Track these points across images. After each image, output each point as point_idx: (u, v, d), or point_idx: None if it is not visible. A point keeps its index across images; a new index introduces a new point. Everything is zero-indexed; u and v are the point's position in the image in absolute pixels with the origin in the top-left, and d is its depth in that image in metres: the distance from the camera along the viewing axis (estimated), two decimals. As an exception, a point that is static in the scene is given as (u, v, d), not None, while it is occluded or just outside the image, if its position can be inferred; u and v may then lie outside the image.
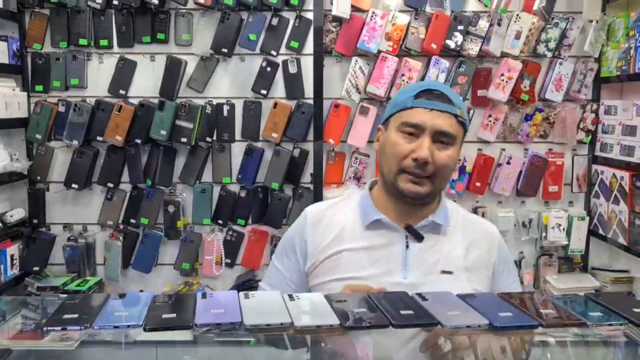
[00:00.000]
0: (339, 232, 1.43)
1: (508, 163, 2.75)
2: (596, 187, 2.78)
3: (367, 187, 1.51)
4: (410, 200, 1.39)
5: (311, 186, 2.72)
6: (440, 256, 1.41)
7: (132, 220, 2.75)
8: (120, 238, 2.74)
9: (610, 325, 1.04)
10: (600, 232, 2.75)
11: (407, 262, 1.38)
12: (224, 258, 2.75)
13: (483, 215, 2.78)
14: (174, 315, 1.01)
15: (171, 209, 2.73)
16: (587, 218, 2.80)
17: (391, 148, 1.37)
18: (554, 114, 2.77)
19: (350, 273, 1.37)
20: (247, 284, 2.69)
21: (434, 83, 1.45)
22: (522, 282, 2.82)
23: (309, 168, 2.73)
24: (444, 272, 1.39)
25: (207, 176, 2.77)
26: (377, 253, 1.39)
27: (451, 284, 1.35)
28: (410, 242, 1.40)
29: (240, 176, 2.73)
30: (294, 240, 1.49)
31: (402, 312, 1.04)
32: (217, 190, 2.76)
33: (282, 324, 0.99)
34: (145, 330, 0.97)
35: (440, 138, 1.34)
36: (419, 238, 1.40)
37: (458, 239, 1.44)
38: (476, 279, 1.41)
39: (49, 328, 0.97)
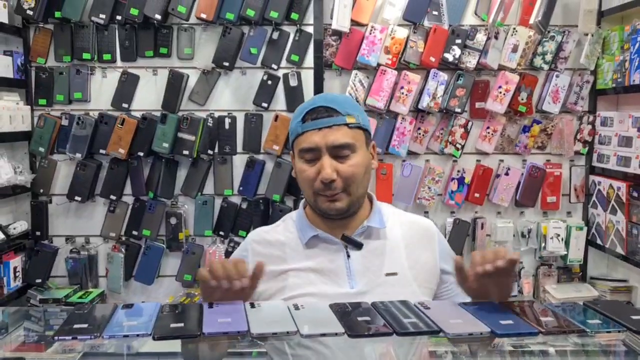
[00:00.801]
0: (281, 254, 1.44)
1: (506, 174, 2.78)
2: (594, 198, 2.81)
3: (301, 206, 1.52)
4: (337, 217, 1.41)
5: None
6: (383, 259, 1.42)
7: (134, 232, 2.77)
8: (123, 250, 2.76)
9: (609, 332, 1.07)
10: (599, 242, 2.77)
11: (351, 271, 1.39)
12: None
13: (482, 226, 2.80)
14: (182, 324, 1.04)
15: (173, 221, 2.75)
16: (585, 228, 2.82)
17: (300, 175, 1.40)
18: (552, 126, 2.81)
19: (298, 290, 1.37)
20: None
21: (317, 99, 1.43)
22: (521, 292, 2.85)
23: (310, 180, 2.75)
24: (388, 274, 1.40)
25: (208, 188, 2.80)
26: (322, 269, 1.40)
27: (397, 284, 1.37)
28: (350, 251, 1.42)
29: (241, 188, 2.75)
30: None
31: (405, 320, 1.07)
32: (218, 202, 2.79)
33: (288, 332, 1.02)
34: (154, 339, 0.99)
35: (338, 152, 1.35)
36: (358, 246, 1.41)
37: (397, 239, 1.45)
38: (422, 276, 1.43)
39: (59, 338, 1.00)
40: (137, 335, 1.00)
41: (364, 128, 1.41)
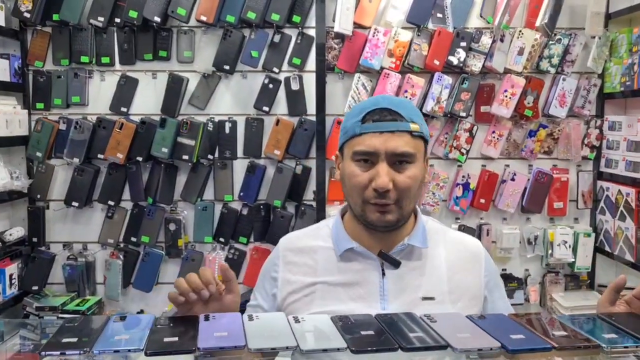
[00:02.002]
0: (313, 264, 1.35)
1: (512, 179, 2.72)
2: (602, 204, 2.76)
3: (338, 214, 1.42)
4: (382, 229, 1.31)
5: (314, 203, 2.70)
6: (421, 281, 1.31)
7: (133, 239, 2.72)
8: (121, 257, 2.71)
9: (627, 348, 1.01)
10: (607, 248, 2.72)
11: (385, 291, 1.30)
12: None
13: (488, 232, 2.75)
14: (176, 339, 0.98)
15: (172, 227, 2.70)
16: (593, 235, 2.77)
17: (350, 180, 1.28)
18: (558, 130, 2.76)
19: (327, 307, 1.29)
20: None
21: (380, 99, 1.32)
22: (527, 300, 2.80)
23: (312, 185, 2.71)
24: (425, 298, 1.29)
25: (208, 194, 2.75)
26: (353, 285, 1.31)
27: (433, 310, 1.24)
28: (386, 269, 1.31)
29: (242, 194, 2.71)
30: (268, 273, 1.42)
31: (411, 334, 1.01)
32: (218, 208, 2.74)
33: (287, 347, 0.96)
34: (146, 354, 0.94)
35: (398, 159, 1.24)
36: (396, 264, 1.31)
37: (439, 261, 1.35)
38: (462, 303, 1.32)
39: (47, 353, 0.94)
40: (129, 350, 0.95)
41: (425, 138, 1.31)
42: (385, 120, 1.25)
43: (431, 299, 1.30)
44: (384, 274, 1.32)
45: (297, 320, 1.07)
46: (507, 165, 2.78)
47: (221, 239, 2.73)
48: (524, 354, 1.02)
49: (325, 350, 0.97)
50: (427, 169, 1.36)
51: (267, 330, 1.03)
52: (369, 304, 1.29)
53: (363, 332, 1.02)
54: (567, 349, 1.00)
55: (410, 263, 1.33)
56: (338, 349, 0.96)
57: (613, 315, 1.16)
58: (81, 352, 0.94)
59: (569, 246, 2.74)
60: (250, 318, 1.08)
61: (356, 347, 0.96)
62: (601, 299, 1.20)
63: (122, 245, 2.75)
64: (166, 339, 0.98)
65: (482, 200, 2.74)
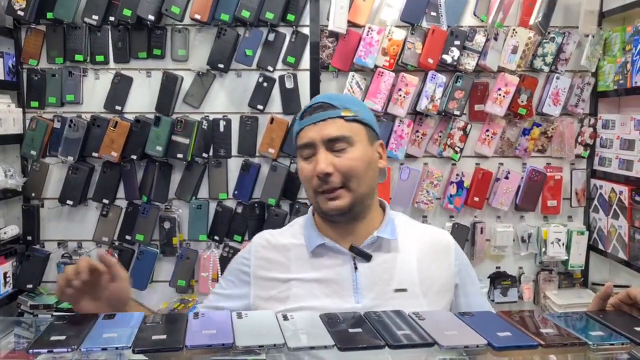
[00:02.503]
0: (285, 262, 1.38)
1: (506, 178, 2.73)
2: (595, 202, 2.76)
3: (310, 211, 1.45)
4: (341, 218, 1.34)
5: (308, 202, 2.70)
6: (393, 273, 1.34)
7: (128, 237, 2.72)
8: (116, 255, 2.71)
9: (612, 345, 1.02)
10: (600, 247, 2.72)
11: (358, 285, 1.32)
12: (220, 275, 2.71)
13: (482, 230, 2.75)
14: (164, 336, 0.99)
15: (167, 225, 2.70)
16: (587, 233, 2.78)
17: (300, 175, 1.36)
18: (552, 128, 2.76)
19: (302, 303, 1.31)
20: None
21: (318, 97, 1.40)
22: (521, 298, 2.80)
23: (306, 183, 2.71)
24: (397, 290, 1.32)
25: (203, 192, 2.75)
26: (327, 280, 1.33)
27: (407, 302, 1.29)
28: (358, 263, 1.34)
29: (236, 192, 2.71)
30: (238, 267, 1.43)
31: (399, 332, 1.02)
32: (213, 206, 2.74)
33: (275, 345, 0.97)
34: (133, 352, 0.94)
35: (335, 145, 1.30)
36: (367, 257, 1.34)
37: (409, 252, 1.37)
38: (432, 293, 1.35)
39: (34, 350, 0.95)
40: (117, 348, 0.95)
41: (364, 122, 1.35)
42: (317, 112, 1.32)
43: (403, 290, 1.33)
44: (356, 267, 1.34)
45: (285, 318, 1.07)
46: (501, 164, 2.78)
47: (216, 237, 2.74)
48: (510, 352, 1.03)
49: (312, 348, 0.97)
50: (381, 155, 1.40)
51: (255, 328, 1.04)
52: (342, 298, 1.31)
53: (351, 330, 1.03)
54: (554, 346, 1.00)
55: (381, 256, 1.36)
56: (325, 347, 0.97)
57: (601, 313, 1.17)
58: (69, 349, 0.95)
59: (563, 244, 2.75)
60: (239, 316, 1.08)
61: (343, 344, 0.97)
62: (589, 307, 1.21)
63: (116, 243, 2.75)
64: (154, 337, 0.98)
65: (476, 199, 2.74)
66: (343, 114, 1.31)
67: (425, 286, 1.34)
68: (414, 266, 1.36)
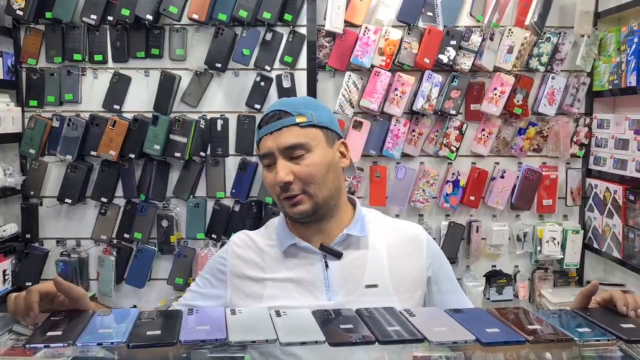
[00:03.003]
0: (260, 262, 1.40)
1: (502, 177, 2.75)
2: (590, 201, 2.78)
3: (282, 213, 1.45)
4: (306, 220, 1.36)
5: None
6: (364, 270, 1.36)
7: (126, 235, 2.74)
8: (114, 253, 2.73)
9: (598, 341, 1.04)
10: (595, 245, 2.74)
11: (329, 282, 1.34)
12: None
13: (477, 229, 2.77)
14: (159, 332, 1.01)
15: (165, 223, 2.72)
16: (582, 232, 2.80)
17: (265, 183, 1.38)
18: (548, 128, 2.78)
19: (276, 302, 1.33)
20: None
21: (275, 104, 1.40)
22: (517, 296, 2.82)
23: (303, 182, 2.72)
24: (368, 286, 1.34)
25: (201, 191, 2.77)
26: (299, 279, 1.35)
27: (378, 298, 1.31)
28: (329, 261, 1.36)
29: (234, 190, 2.73)
30: (215, 266, 1.45)
31: (389, 328, 1.04)
32: (211, 204, 2.76)
33: (267, 340, 0.99)
34: (129, 347, 0.96)
35: (292, 153, 1.31)
36: (337, 255, 1.36)
37: (380, 248, 1.39)
38: (403, 287, 1.36)
39: (31, 345, 0.97)
40: (112, 343, 0.97)
41: (320, 126, 1.35)
42: (272, 122, 1.33)
43: (374, 286, 1.35)
44: (327, 266, 1.36)
45: (278, 314, 1.09)
46: (497, 163, 2.80)
47: (213, 236, 2.75)
48: (498, 347, 1.04)
49: (303, 343, 0.99)
50: (344, 154, 1.40)
51: (248, 323, 1.06)
52: (315, 296, 1.34)
53: (342, 326, 1.05)
54: (541, 342, 1.02)
55: (352, 253, 1.38)
56: (316, 342, 0.99)
57: (588, 310, 1.18)
58: (65, 344, 0.97)
59: (558, 243, 2.77)
60: (233, 312, 1.10)
61: (334, 340, 0.99)
62: (573, 303, 1.23)
63: (115, 241, 2.77)
64: (149, 332, 1.00)
65: (472, 198, 2.76)
66: (298, 120, 1.32)
67: (396, 281, 1.36)
68: (384, 262, 1.38)
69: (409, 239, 1.43)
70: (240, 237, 1.47)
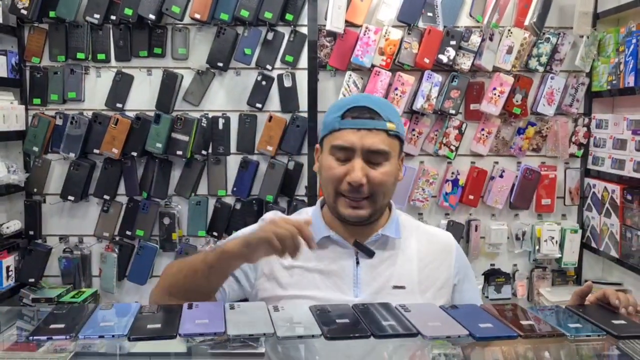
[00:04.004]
0: None
1: (501, 176, 2.77)
2: (588, 200, 2.80)
3: (318, 204, 1.47)
4: (353, 224, 1.37)
5: (306, 199, 2.74)
6: (393, 271, 1.37)
7: (128, 232, 2.76)
8: (116, 250, 2.76)
9: (589, 337, 1.06)
10: (593, 245, 2.76)
11: (358, 279, 1.35)
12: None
13: (476, 228, 2.79)
14: (159, 325, 1.03)
15: (167, 221, 2.75)
16: (580, 231, 2.81)
17: (326, 172, 1.34)
18: (546, 128, 2.80)
19: (302, 292, 1.34)
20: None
21: (360, 98, 1.40)
22: (515, 295, 2.84)
23: (304, 180, 2.75)
24: (396, 287, 1.35)
25: (202, 189, 2.79)
26: (329, 272, 1.36)
27: (404, 299, 1.31)
28: (360, 258, 1.37)
29: (235, 189, 2.75)
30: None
31: (384, 323, 1.06)
32: (212, 202, 2.78)
33: (264, 334, 1.01)
34: (129, 340, 0.99)
35: (373, 157, 1.30)
36: (370, 254, 1.37)
37: (411, 252, 1.41)
38: (430, 293, 1.38)
39: (34, 337, 0.99)
40: (113, 336, 1.00)
41: (401, 138, 1.37)
42: (363, 118, 1.31)
43: (402, 288, 1.36)
44: (358, 262, 1.37)
45: (276, 309, 1.12)
46: (496, 162, 2.82)
47: (214, 233, 2.78)
48: (491, 342, 1.07)
49: (300, 337, 1.02)
50: (401, 168, 1.41)
51: (246, 317, 1.08)
52: (342, 290, 1.35)
53: (339, 321, 1.07)
54: (533, 337, 1.05)
55: (384, 253, 1.39)
56: (313, 336, 1.01)
57: (580, 307, 1.21)
58: (67, 337, 0.99)
59: (556, 242, 2.78)
60: (232, 307, 1.13)
61: (330, 334, 1.01)
62: (568, 303, 1.26)
63: (117, 238, 2.79)
64: (149, 326, 1.03)
65: (471, 197, 2.78)
66: (388, 127, 1.31)
67: (424, 285, 1.38)
68: (414, 265, 1.39)
69: (440, 245, 1.45)
70: (276, 215, 1.43)
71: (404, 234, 1.42)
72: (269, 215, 1.46)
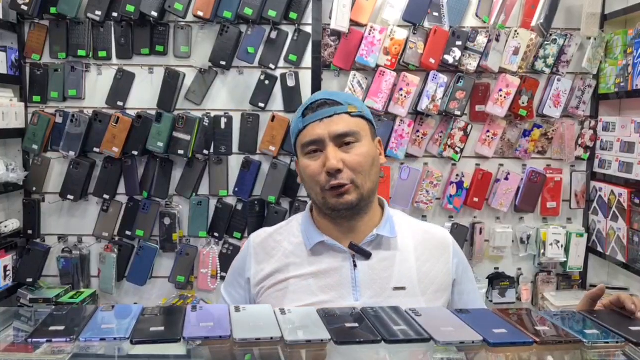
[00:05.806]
0: (284, 260, 1.37)
1: (506, 179, 2.74)
2: (595, 204, 2.77)
3: (307, 209, 1.44)
4: (347, 213, 1.33)
5: (308, 200, 2.71)
6: (392, 272, 1.34)
7: (128, 232, 2.73)
8: (115, 250, 2.72)
9: (607, 343, 1.03)
10: (599, 249, 2.73)
11: (357, 282, 1.32)
12: (219, 272, 2.72)
13: (481, 231, 2.76)
14: (162, 328, 1.00)
15: (167, 221, 2.71)
16: (586, 235, 2.78)
17: (305, 173, 1.33)
18: (552, 130, 2.77)
19: (300, 302, 1.30)
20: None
21: (317, 94, 1.39)
22: (519, 299, 2.81)
23: (306, 182, 2.71)
24: (396, 288, 1.32)
25: (203, 189, 2.76)
26: (326, 277, 1.33)
27: (405, 300, 1.29)
28: (357, 261, 1.33)
29: (237, 189, 2.72)
30: (238, 270, 1.44)
31: (395, 327, 1.03)
32: (213, 203, 2.75)
33: (272, 338, 0.98)
34: (132, 343, 0.95)
35: (343, 140, 1.29)
36: (366, 255, 1.34)
37: (408, 250, 1.37)
38: (431, 291, 1.35)
39: (34, 340, 0.96)
40: (115, 338, 0.96)
41: (367, 118, 1.35)
42: (322, 109, 1.32)
43: (402, 289, 1.33)
44: (355, 265, 1.34)
45: (283, 312, 1.08)
46: (501, 165, 2.79)
47: (215, 234, 2.74)
48: (505, 348, 1.03)
49: (309, 342, 0.98)
50: (380, 152, 1.39)
51: (253, 321, 1.05)
52: (342, 296, 1.31)
53: (348, 325, 1.04)
54: (549, 343, 1.01)
55: (381, 254, 1.36)
56: (322, 341, 0.98)
57: (595, 312, 1.17)
58: (68, 339, 0.96)
59: (562, 246, 2.75)
60: (237, 309, 1.09)
61: (340, 339, 0.98)
62: (578, 306, 1.22)
63: (116, 238, 2.76)
64: (152, 329, 0.99)
65: (476, 199, 2.75)
66: (349, 109, 1.31)
67: (423, 285, 1.35)
68: (412, 264, 1.36)
69: (436, 242, 1.42)
70: (260, 235, 1.45)
71: (399, 232, 1.39)
72: (253, 237, 1.45)
